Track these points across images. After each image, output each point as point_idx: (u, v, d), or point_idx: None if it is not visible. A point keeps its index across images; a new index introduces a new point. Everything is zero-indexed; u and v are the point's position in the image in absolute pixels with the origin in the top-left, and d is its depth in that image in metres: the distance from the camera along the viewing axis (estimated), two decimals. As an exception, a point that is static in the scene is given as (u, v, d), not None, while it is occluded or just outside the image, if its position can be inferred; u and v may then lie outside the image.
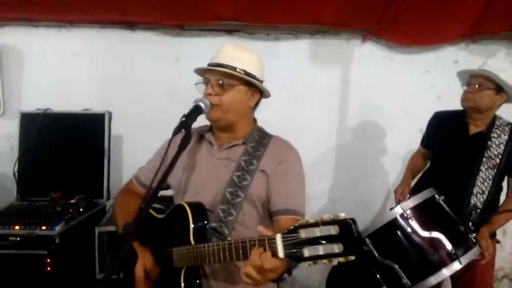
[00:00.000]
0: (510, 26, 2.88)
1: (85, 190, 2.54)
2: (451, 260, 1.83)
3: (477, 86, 2.04)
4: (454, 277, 2.19)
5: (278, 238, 0.95)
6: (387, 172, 3.15)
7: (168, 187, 1.55)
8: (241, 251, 1.07)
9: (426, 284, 1.84)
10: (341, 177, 3.13)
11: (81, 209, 2.36)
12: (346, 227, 0.87)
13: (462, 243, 1.88)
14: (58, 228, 2.08)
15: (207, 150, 1.50)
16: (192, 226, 1.30)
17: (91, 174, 2.63)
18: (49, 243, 2.06)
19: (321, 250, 0.88)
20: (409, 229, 1.90)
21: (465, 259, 1.84)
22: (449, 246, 1.85)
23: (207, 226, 1.33)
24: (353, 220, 0.88)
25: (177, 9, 2.77)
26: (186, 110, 3.00)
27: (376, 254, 1.96)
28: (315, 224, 0.90)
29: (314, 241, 0.89)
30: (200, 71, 1.47)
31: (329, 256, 0.87)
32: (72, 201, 2.42)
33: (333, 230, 0.87)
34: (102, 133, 2.62)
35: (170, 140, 1.26)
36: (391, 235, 1.93)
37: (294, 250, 0.92)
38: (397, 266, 1.88)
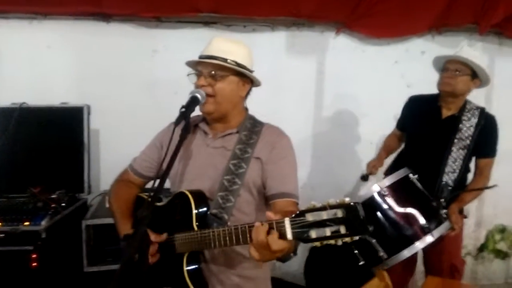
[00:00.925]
0: (472, 18, 3.08)
1: (65, 185, 2.52)
2: (424, 233, 1.97)
3: (455, 72, 2.16)
4: (426, 248, 2.35)
5: (287, 221, 1.00)
6: (361, 157, 3.27)
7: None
8: (248, 235, 1.12)
9: (400, 256, 1.98)
10: (319, 163, 3.25)
11: (63, 204, 2.34)
12: (351, 209, 0.92)
13: (434, 218, 2.02)
14: (44, 223, 2.07)
15: (201, 139, 1.54)
16: (194, 212, 1.34)
17: (70, 169, 2.61)
18: (35, 239, 2.04)
19: (327, 231, 0.93)
20: (385, 206, 2.03)
21: (437, 232, 1.98)
22: (422, 220, 1.98)
23: (208, 213, 1.38)
24: (358, 203, 0.93)
25: (154, 1, 2.76)
26: (163, 103, 3.03)
27: None
28: (322, 208, 0.94)
29: (321, 223, 0.94)
30: (191, 64, 1.50)
31: (335, 237, 0.92)
32: (53, 196, 2.40)
33: (339, 213, 0.92)
34: (81, 127, 2.60)
35: (173, 131, 1.29)
36: (369, 211, 2.03)
37: (301, 232, 0.97)
38: (374, 241, 2.00)
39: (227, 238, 1.19)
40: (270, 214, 1.07)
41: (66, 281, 2.27)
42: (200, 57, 1.45)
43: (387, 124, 2.97)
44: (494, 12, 3.00)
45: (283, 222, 1.01)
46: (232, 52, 1.44)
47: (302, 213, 0.97)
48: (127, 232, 1.40)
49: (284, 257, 1.12)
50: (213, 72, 1.42)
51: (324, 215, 0.94)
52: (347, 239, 0.92)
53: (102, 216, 2.26)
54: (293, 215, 0.99)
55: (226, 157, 1.46)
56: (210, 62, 1.41)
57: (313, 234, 0.95)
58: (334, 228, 0.92)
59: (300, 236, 0.97)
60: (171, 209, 1.42)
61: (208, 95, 1.41)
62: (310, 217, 0.95)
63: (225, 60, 1.41)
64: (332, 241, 0.93)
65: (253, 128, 1.51)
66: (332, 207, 0.93)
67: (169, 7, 2.80)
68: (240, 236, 1.15)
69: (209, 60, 1.41)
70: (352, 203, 0.93)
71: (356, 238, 0.92)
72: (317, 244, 0.95)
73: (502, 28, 3.17)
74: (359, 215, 0.92)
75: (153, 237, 1.35)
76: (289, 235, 0.99)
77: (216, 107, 1.44)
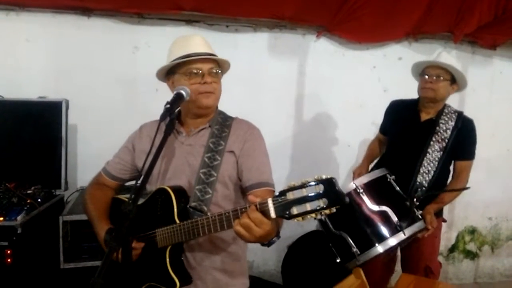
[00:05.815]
0: (447, 27, 3.20)
1: (41, 181, 2.47)
2: (396, 231, 2.04)
3: (435, 77, 2.22)
4: (402, 249, 2.43)
5: (269, 201, 1.05)
6: (338, 159, 3.35)
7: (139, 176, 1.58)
8: (232, 219, 1.15)
9: (373, 252, 2.05)
10: (297, 165, 3.29)
11: (39, 200, 2.30)
12: (329, 184, 0.98)
13: (407, 217, 2.09)
14: (19, 218, 2.02)
15: (175, 138, 1.55)
16: (175, 206, 1.36)
17: (47, 164, 2.55)
18: (10, 234, 1.99)
19: (308, 206, 0.99)
20: (360, 203, 2.11)
21: (408, 231, 2.06)
22: (395, 218, 2.06)
23: (188, 206, 1.40)
24: (334, 178, 0.99)
25: (137, -3, 2.75)
26: (143, 99, 3.01)
27: (331, 226, 2.14)
28: (301, 186, 1.00)
29: (301, 199, 1.00)
30: (162, 71, 1.53)
31: (315, 210, 0.98)
32: (28, 191, 2.35)
33: (318, 188, 0.98)
34: (59, 122, 2.54)
35: (158, 127, 1.31)
36: (344, 208, 2.12)
37: (283, 209, 1.02)
38: (348, 237, 2.08)
39: (211, 225, 1.22)
40: (252, 198, 1.11)
41: (42, 278, 2.24)
42: (196, 54, 1.45)
43: (364, 127, 3.05)
44: (468, 22, 3.12)
45: (266, 202, 1.06)
46: (213, 51, 1.51)
47: (283, 192, 1.03)
48: (106, 229, 1.41)
49: (268, 240, 1.16)
50: (214, 69, 1.47)
51: (304, 192, 0.99)
52: (327, 211, 0.98)
53: (79, 212, 2.22)
54: (275, 195, 1.05)
55: (200, 152, 1.49)
56: (213, 59, 1.47)
57: (295, 210, 1.00)
58: (313, 203, 0.98)
59: (283, 214, 1.03)
60: (152, 205, 1.43)
61: (208, 93, 1.45)
62: (291, 195, 1.01)
63: (218, 57, 1.49)
64: (313, 215, 0.99)
65: (224, 122, 1.57)
66: (311, 183, 0.99)
67: (152, 4, 2.78)
68: (225, 222, 1.18)
69: (211, 56, 1.46)
70: (329, 178, 0.99)
71: (334, 210, 0.98)
72: (299, 219, 1.01)
73: (475, 37, 3.30)
74: (336, 188, 0.98)
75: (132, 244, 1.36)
76: (273, 214, 1.05)
77: (215, 102, 1.53)
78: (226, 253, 1.51)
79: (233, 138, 1.51)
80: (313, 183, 0.99)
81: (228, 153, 1.49)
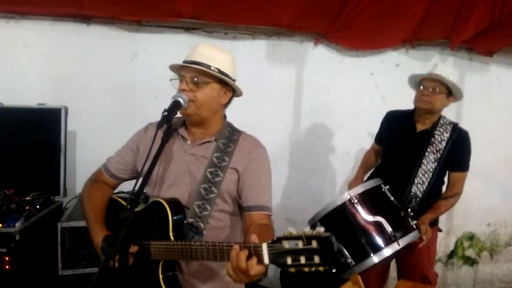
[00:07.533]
0: (444, 34, 3.22)
1: (40, 187, 2.48)
2: (391, 241, 2.02)
3: (431, 89, 2.22)
4: (399, 259, 2.42)
5: (264, 246, 1.03)
6: (336, 167, 3.36)
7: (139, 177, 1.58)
8: (225, 254, 1.14)
9: (368, 262, 2.01)
10: (295, 172, 3.30)
11: (37, 206, 2.30)
12: (326, 242, 0.96)
13: (401, 227, 2.07)
14: (18, 225, 2.03)
15: (180, 144, 1.54)
16: (171, 222, 1.35)
17: (46, 171, 2.56)
18: (8, 241, 2.00)
19: (302, 259, 0.97)
20: (355, 213, 2.09)
21: (403, 241, 2.03)
22: (389, 229, 2.03)
23: (184, 222, 1.39)
24: (332, 236, 0.97)
25: (135, 5, 2.76)
26: (142, 106, 3.02)
27: None
28: (299, 238, 0.98)
29: (297, 251, 0.98)
30: (175, 68, 1.52)
31: (309, 265, 0.97)
32: (27, 198, 2.36)
33: (314, 244, 0.96)
34: (58, 128, 2.55)
35: (155, 135, 1.31)
36: (339, 218, 2.11)
37: (278, 257, 1.00)
38: (344, 248, 2.06)
39: (204, 254, 1.20)
40: (254, 238, 1.09)
41: (40, 284, 2.24)
42: (184, 61, 1.47)
43: (362, 134, 3.06)
44: (464, 28, 3.14)
45: (260, 246, 1.04)
46: (216, 59, 1.46)
47: (279, 239, 1.01)
48: (102, 234, 1.41)
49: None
50: (195, 78, 1.43)
51: (300, 244, 0.97)
52: (321, 268, 0.96)
53: (77, 219, 2.23)
54: (270, 241, 1.02)
55: (203, 165, 1.48)
56: (193, 67, 1.43)
57: (289, 260, 0.98)
58: (308, 257, 0.96)
59: (277, 261, 1.00)
60: (148, 216, 1.42)
61: (189, 100, 1.42)
62: (286, 244, 0.99)
63: (208, 66, 1.43)
64: (306, 269, 0.97)
65: (230, 136, 1.54)
66: (308, 237, 0.97)
67: (150, 11, 2.80)
68: (218, 254, 1.17)
69: (192, 65, 1.43)
70: (326, 237, 0.96)
71: (327, 268, 0.96)
72: (292, 270, 0.99)
73: (472, 44, 3.32)
74: (333, 248, 0.95)
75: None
76: (266, 260, 1.03)
77: (196, 111, 1.46)
78: (222, 265, 1.51)
79: (238, 155, 1.49)
80: (310, 238, 0.97)
81: (231, 170, 1.47)
